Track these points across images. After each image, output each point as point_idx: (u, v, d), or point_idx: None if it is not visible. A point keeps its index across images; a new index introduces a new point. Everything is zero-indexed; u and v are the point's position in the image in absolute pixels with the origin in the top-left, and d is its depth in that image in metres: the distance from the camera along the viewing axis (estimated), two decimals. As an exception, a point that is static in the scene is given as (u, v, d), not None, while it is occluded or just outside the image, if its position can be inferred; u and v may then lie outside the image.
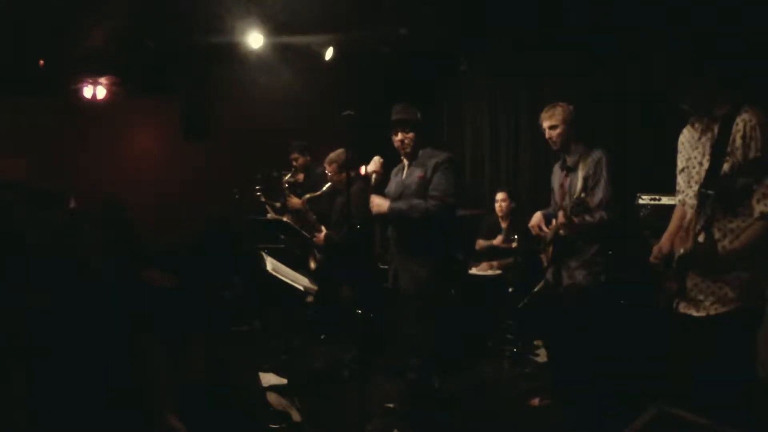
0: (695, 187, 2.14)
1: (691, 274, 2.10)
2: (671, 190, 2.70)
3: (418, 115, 3.23)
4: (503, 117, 5.61)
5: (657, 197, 3.48)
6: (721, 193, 1.94)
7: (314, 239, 4.32)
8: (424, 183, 3.12)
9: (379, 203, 3.13)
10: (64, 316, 2.87)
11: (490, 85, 5.79)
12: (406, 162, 3.31)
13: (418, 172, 3.16)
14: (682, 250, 2.07)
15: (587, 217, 2.89)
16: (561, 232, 3.04)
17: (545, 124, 3.12)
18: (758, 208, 1.95)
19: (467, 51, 5.87)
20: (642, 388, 2.93)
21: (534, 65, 5.10)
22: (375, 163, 3.26)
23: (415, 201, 3.09)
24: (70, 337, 2.87)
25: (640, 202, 3.55)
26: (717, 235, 2.02)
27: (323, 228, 4.31)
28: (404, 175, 3.28)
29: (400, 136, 3.19)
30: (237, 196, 5.24)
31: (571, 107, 3.10)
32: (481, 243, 5.00)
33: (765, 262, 2.00)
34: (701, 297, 2.08)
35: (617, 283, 3.12)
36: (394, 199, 3.22)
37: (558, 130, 3.08)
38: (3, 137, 5.87)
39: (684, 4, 3.51)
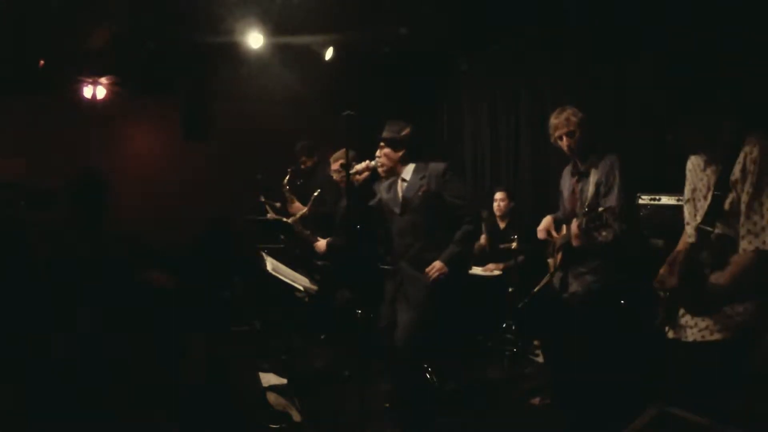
0: (699, 221, 2.06)
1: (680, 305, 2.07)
2: (671, 190, 2.70)
3: (402, 132, 3.14)
4: (503, 117, 5.61)
5: (657, 197, 3.49)
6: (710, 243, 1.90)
7: (315, 248, 4.31)
8: (430, 195, 3.07)
9: (438, 268, 3.01)
10: (65, 316, 2.87)
11: (490, 85, 5.79)
12: (392, 178, 3.25)
13: (419, 186, 3.11)
14: (670, 286, 2.01)
15: (603, 233, 2.73)
16: (573, 243, 2.96)
17: (560, 132, 3.01)
18: (742, 245, 1.90)
19: (467, 51, 5.87)
20: (642, 388, 2.94)
21: (534, 65, 5.10)
22: (361, 165, 3.20)
23: (457, 235, 3.05)
24: (71, 335, 2.87)
25: (640, 202, 3.55)
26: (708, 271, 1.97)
27: (319, 238, 4.32)
28: (401, 189, 3.19)
29: (377, 152, 3.20)
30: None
31: (581, 112, 3.01)
32: (480, 245, 5.00)
33: (752, 295, 1.94)
34: (689, 324, 2.05)
35: (617, 284, 3.10)
36: (397, 214, 3.17)
37: (577, 136, 2.98)
38: (3, 137, 5.87)
39: (684, 5, 3.51)
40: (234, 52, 5.55)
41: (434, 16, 5.03)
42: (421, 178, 3.12)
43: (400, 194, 3.19)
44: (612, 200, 2.87)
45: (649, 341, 3.03)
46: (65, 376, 2.83)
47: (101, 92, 6.28)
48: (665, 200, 3.41)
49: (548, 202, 3.55)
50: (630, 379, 3.09)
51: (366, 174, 3.19)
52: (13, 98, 5.86)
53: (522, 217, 4.87)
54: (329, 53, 5.73)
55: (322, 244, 4.30)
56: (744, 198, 1.88)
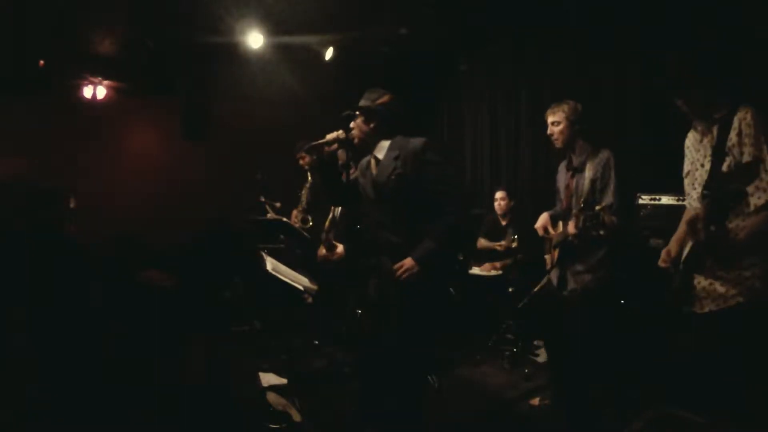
0: (699, 189, 2.18)
1: (695, 275, 2.14)
2: (671, 190, 2.70)
3: (377, 101, 2.68)
4: (503, 117, 5.61)
5: (657, 197, 3.49)
6: (718, 195, 1.96)
7: (332, 257, 4.04)
8: (404, 180, 2.56)
9: (408, 267, 2.49)
10: (64, 313, 2.87)
11: (490, 85, 5.79)
12: (370, 156, 2.76)
13: (392, 168, 2.59)
14: (689, 247, 2.12)
15: (601, 231, 2.73)
16: (571, 239, 2.96)
17: (549, 120, 3.08)
18: (752, 202, 2.00)
19: (467, 51, 5.87)
20: (642, 388, 2.94)
21: (534, 65, 5.10)
22: (331, 135, 2.68)
23: (434, 228, 2.52)
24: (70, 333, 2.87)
25: (640, 202, 3.56)
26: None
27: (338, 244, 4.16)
28: (374, 171, 2.69)
29: (352, 123, 2.70)
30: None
31: (578, 106, 3.04)
32: (482, 242, 5.00)
33: (765, 259, 2.03)
34: (703, 295, 2.12)
35: (617, 283, 3.10)
36: (373, 201, 2.68)
37: (560, 127, 3.02)
38: (3, 137, 5.87)
39: (684, 5, 3.52)
40: (234, 52, 5.55)
41: (434, 16, 5.03)
42: (395, 158, 2.59)
43: (372, 176, 2.70)
44: (608, 197, 2.87)
45: (649, 340, 3.04)
46: (66, 377, 2.83)
47: (101, 92, 6.28)
48: (665, 200, 3.42)
49: (548, 201, 3.54)
50: (630, 379, 3.09)
51: (335, 146, 2.69)
52: (13, 98, 5.86)
53: (522, 217, 4.87)
54: (329, 53, 5.73)
55: (340, 250, 4.06)
56: (746, 159, 1.99)
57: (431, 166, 2.56)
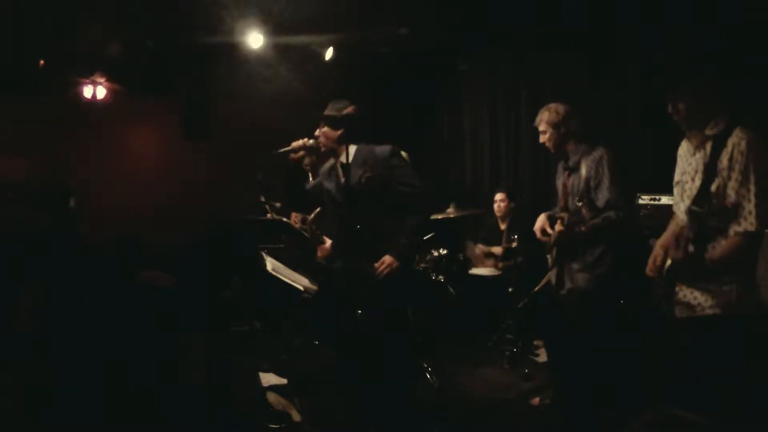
0: (687, 202, 2.23)
1: (678, 283, 2.20)
2: (671, 190, 2.67)
3: (343, 111, 2.91)
4: (503, 117, 5.61)
5: (657, 197, 3.49)
6: (708, 214, 2.03)
7: (318, 253, 3.84)
8: (374, 183, 2.78)
9: (388, 264, 2.73)
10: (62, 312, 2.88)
11: (490, 85, 5.79)
12: (333, 161, 2.98)
13: (360, 173, 2.80)
14: (670, 261, 2.18)
15: (592, 221, 2.81)
16: (559, 237, 2.98)
17: (538, 128, 3.13)
18: (733, 228, 2.05)
19: (467, 51, 5.87)
20: (642, 388, 2.94)
21: (534, 65, 5.10)
22: (297, 143, 2.96)
23: (408, 224, 2.79)
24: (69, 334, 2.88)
25: (640, 202, 3.56)
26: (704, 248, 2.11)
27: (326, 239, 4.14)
28: (341, 176, 2.88)
29: (317, 131, 2.96)
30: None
31: (561, 108, 3.03)
32: (481, 248, 5.00)
33: (745, 275, 2.10)
34: (684, 302, 2.19)
35: (617, 283, 3.10)
36: (340, 204, 2.87)
37: (546, 135, 3.07)
38: (3, 137, 5.87)
39: (684, 6, 3.52)
40: (234, 52, 5.55)
41: (434, 16, 5.03)
42: (363, 163, 2.81)
43: (339, 183, 2.89)
44: (604, 194, 2.88)
45: (648, 340, 3.04)
46: (66, 377, 2.83)
47: (101, 92, 6.27)
48: (665, 200, 3.42)
49: (548, 202, 3.54)
50: (630, 379, 3.09)
51: (301, 153, 2.94)
52: (13, 98, 5.86)
53: (522, 218, 4.87)
54: (329, 53, 5.73)
55: (328, 245, 4.09)
56: (732, 185, 2.05)
57: (397, 170, 2.80)
